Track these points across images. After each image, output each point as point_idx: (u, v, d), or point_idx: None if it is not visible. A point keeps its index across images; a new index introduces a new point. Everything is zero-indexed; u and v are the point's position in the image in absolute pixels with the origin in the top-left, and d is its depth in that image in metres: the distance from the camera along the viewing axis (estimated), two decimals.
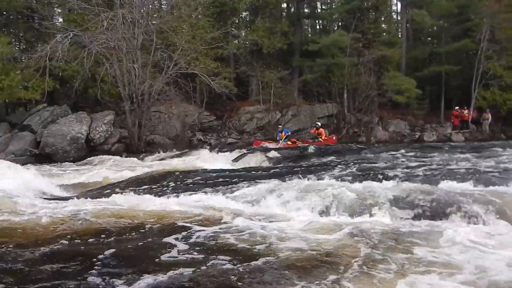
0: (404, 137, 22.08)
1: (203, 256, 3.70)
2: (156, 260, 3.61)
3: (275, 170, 9.89)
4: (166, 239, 4.25)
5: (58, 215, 5.19)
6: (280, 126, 20.00)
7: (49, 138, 16.37)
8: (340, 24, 27.05)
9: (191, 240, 4.22)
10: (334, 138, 18.92)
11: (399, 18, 30.83)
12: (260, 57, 22.94)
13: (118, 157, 14.85)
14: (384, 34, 26.82)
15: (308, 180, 6.60)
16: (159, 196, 6.75)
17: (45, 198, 6.95)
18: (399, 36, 28.15)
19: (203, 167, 11.63)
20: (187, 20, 19.99)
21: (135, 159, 14.90)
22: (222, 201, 6.15)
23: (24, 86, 17.74)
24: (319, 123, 19.29)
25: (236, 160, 14.35)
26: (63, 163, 15.03)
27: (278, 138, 17.99)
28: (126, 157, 15.56)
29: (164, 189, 7.50)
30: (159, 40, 18.21)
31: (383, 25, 28.52)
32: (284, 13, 27.50)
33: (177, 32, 19.03)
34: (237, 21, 25.33)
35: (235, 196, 6.47)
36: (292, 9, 27.08)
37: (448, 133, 21.95)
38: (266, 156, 14.46)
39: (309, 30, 30.49)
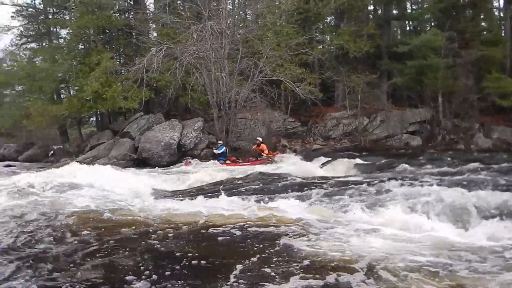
0: (511, 146, 19.95)
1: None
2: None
3: (370, 177, 9.47)
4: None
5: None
6: (220, 142, 17.00)
7: (145, 144, 17.52)
8: (432, 24, 25.48)
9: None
10: (277, 153, 16.88)
11: (501, 14, 28.18)
12: (346, 62, 22.39)
13: (209, 162, 15.42)
14: (485, 32, 24.67)
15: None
16: (254, 200, 6.85)
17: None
18: (502, 34, 25.67)
19: (289, 173, 11.63)
20: (272, 28, 20.26)
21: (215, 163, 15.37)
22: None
23: (124, 97, 19.24)
24: (260, 139, 16.74)
25: (322, 166, 14.12)
26: (162, 168, 15.92)
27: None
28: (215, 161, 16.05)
29: (255, 193, 7.57)
30: (245, 48, 18.67)
31: (482, 23, 26.30)
32: (371, 16, 26.63)
33: (262, 40, 19.39)
34: (321, 26, 25.07)
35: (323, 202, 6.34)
36: (380, 11, 26.15)
37: None
38: (352, 163, 14.08)
39: (398, 31, 29.17)
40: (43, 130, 25.41)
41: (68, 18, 24.37)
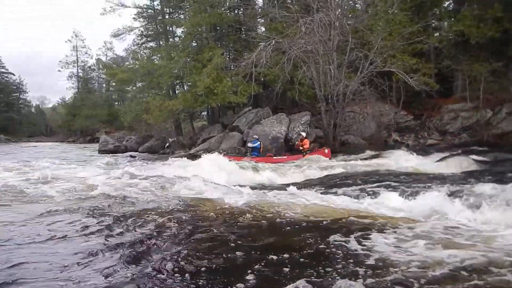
0: None
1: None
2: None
3: (492, 176, 8.61)
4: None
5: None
6: (255, 136, 16.70)
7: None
8: None
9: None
10: (326, 151, 15.22)
11: None
12: (467, 49, 20.41)
13: (316, 156, 15.27)
14: None
15: None
16: (353, 197, 6.67)
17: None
18: None
19: (399, 169, 11.01)
20: (383, 16, 19.30)
21: (326, 158, 15.10)
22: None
23: (233, 91, 19.93)
24: (304, 134, 16.29)
25: (437, 162, 13.13)
26: None
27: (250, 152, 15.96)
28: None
29: (356, 190, 7.36)
30: (354, 39, 18.05)
31: None
32: None
33: (372, 30, 18.58)
34: (438, 12, 23.17)
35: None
36: None
37: None
38: (474, 159, 12.87)
39: None
40: (160, 124, 27.41)
41: (182, 17, 25.93)
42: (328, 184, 8.72)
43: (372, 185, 7.83)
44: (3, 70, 68.35)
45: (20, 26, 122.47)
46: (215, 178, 9.11)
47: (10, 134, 59.57)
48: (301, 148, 15.55)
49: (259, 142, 16.18)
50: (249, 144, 16.45)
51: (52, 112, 78.79)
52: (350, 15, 20.12)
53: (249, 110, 20.43)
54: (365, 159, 14.63)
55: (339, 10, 19.15)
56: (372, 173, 10.36)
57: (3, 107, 66.55)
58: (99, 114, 54.35)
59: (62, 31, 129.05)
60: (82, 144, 46.11)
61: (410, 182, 7.96)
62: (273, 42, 17.76)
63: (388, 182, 8.09)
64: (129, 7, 26.94)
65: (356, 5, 22.86)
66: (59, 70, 61.44)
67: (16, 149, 33.53)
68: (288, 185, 8.51)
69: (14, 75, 70.08)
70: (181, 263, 3.56)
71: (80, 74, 63.50)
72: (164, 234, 4.51)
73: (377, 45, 17.54)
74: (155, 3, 27.49)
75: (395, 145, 18.03)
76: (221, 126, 21.40)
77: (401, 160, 13.50)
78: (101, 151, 27.41)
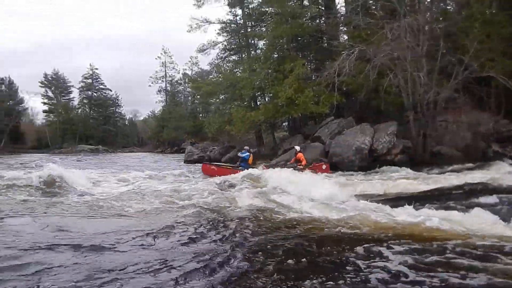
0: None
1: None
2: None
3: None
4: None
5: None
6: (246, 147, 16.74)
7: (336, 148, 17.44)
8: None
9: None
10: (324, 166, 15.15)
11: None
12: None
13: (403, 168, 14.42)
14: None
15: None
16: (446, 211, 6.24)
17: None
18: None
19: (498, 184, 9.86)
20: (480, 17, 17.75)
21: (417, 171, 14.17)
22: None
23: (315, 102, 19.61)
24: (298, 148, 16.06)
25: None
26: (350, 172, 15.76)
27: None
28: (410, 168, 14.92)
29: (452, 205, 6.78)
30: (446, 44, 16.84)
31: None
32: None
33: (467, 33, 17.16)
34: None
35: None
36: None
37: None
38: None
39: None
40: (242, 134, 27.85)
41: (264, 29, 26.27)
42: (409, 198, 8.17)
43: (461, 201, 7.19)
44: (102, 86, 74.87)
45: (20, 26, 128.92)
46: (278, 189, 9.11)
47: (107, 145, 65.00)
48: (297, 164, 15.07)
49: (247, 153, 16.01)
50: (239, 154, 16.73)
51: (143, 124, 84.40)
52: (441, 18, 18.80)
53: (331, 120, 19.93)
54: (458, 171, 13.48)
55: (429, 13, 18.05)
56: (463, 187, 9.46)
57: (102, 121, 73.02)
58: (185, 125, 56.98)
59: (63, 31, 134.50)
60: (170, 154, 48.53)
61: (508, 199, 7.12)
62: (357, 50, 17.21)
63: (481, 199, 7.31)
64: (214, 23, 27.94)
65: (448, 7, 21.35)
66: (149, 85, 65.73)
67: (122, 158, 36.61)
68: (357, 198, 8.24)
69: (111, 90, 76.49)
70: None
71: (168, 88, 67.31)
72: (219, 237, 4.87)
73: (473, 49, 16.14)
74: (238, 17, 28.23)
75: (495, 156, 16.31)
76: (302, 137, 21.14)
77: (502, 173, 12.21)
78: (187, 161, 28.49)
